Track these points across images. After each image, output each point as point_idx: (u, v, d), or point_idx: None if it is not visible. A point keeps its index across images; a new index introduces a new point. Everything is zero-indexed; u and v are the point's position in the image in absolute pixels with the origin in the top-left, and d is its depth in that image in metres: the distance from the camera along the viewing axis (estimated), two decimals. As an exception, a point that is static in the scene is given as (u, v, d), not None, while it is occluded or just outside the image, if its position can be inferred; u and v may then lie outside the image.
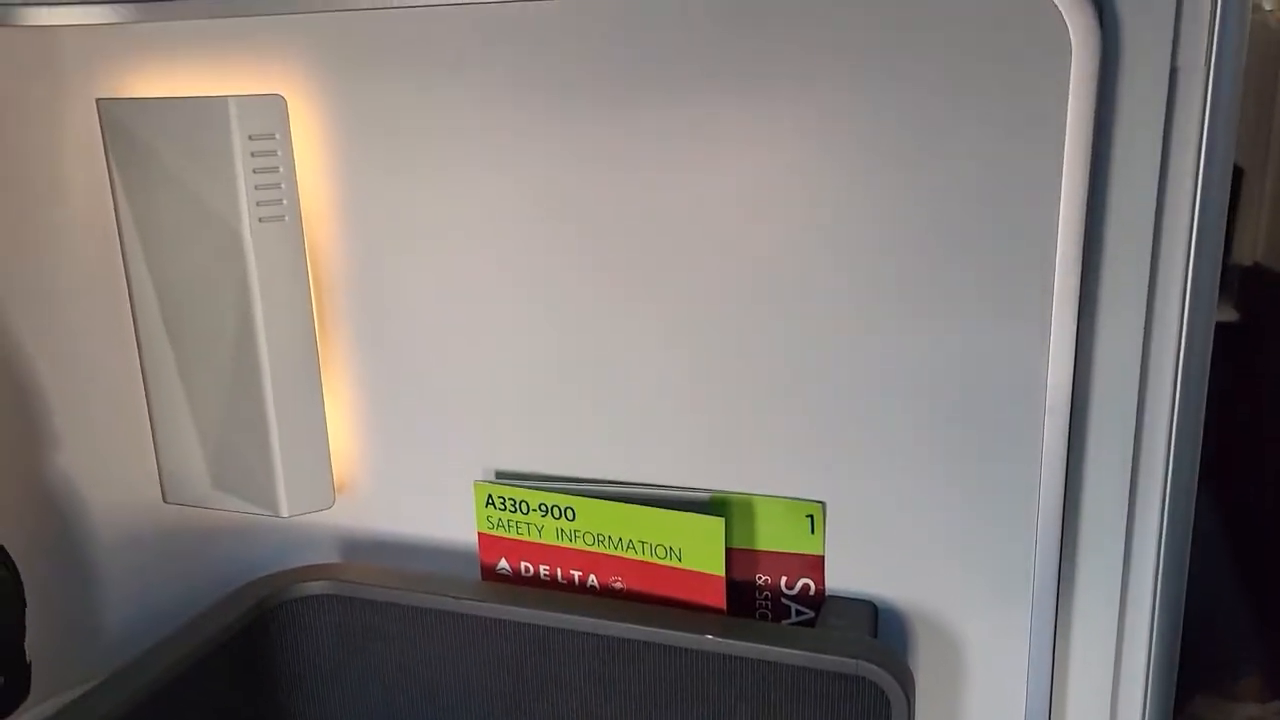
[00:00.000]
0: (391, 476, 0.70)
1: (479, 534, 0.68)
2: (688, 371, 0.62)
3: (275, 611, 0.65)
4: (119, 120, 0.67)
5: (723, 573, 0.62)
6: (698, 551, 0.63)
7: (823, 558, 0.62)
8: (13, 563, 0.62)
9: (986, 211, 0.55)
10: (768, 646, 0.57)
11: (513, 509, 0.66)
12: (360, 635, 0.66)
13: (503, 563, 0.68)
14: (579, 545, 0.65)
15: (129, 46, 0.66)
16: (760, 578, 0.64)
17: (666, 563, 0.64)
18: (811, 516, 0.62)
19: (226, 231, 0.65)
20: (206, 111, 0.65)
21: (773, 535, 0.63)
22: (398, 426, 0.69)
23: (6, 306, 0.68)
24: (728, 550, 0.62)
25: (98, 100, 0.67)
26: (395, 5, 0.61)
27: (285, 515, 0.69)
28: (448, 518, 0.69)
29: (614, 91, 0.60)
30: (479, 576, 0.68)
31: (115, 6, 0.65)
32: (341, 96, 0.66)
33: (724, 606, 0.63)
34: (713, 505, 0.63)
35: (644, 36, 0.58)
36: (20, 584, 0.63)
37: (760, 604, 0.64)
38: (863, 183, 0.56)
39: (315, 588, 0.66)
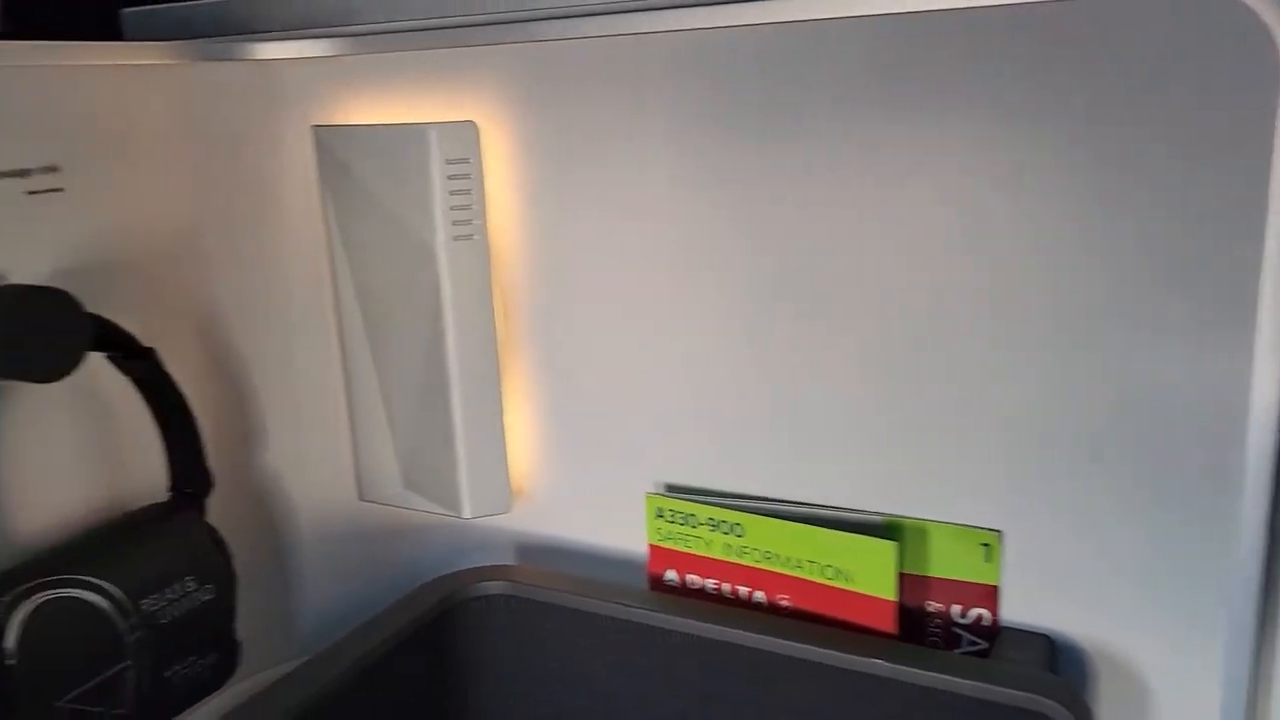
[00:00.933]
0: (566, 485, 0.66)
1: (649, 545, 0.62)
2: (864, 393, 0.55)
3: (457, 609, 0.61)
4: (331, 146, 0.66)
5: (894, 597, 0.55)
6: (869, 574, 0.55)
7: (998, 588, 0.54)
8: (227, 547, 0.61)
9: (1182, 229, 0.46)
10: (940, 675, 0.50)
11: (682, 522, 0.60)
12: (533, 635, 0.61)
13: (671, 574, 0.62)
14: (747, 561, 0.59)
15: (341, 78, 0.66)
16: (932, 605, 0.56)
17: (836, 584, 0.56)
18: (987, 545, 0.54)
19: (422, 248, 0.63)
20: (409, 137, 0.63)
21: (946, 562, 0.55)
22: (573, 437, 0.65)
23: (228, 315, 0.67)
24: (899, 575, 0.55)
25: (313, 127, 0.66)
26: (588, 35, 0.57)
27: (467, 517, 0.65)
28: (618, 528, 0.65)
29: (805, 120, 0.55)
30: (647, 586, 0.62)
31: (331, 41, 0.63)
32: (529, 122, 0.63)
33: (895, 631, 0.55)
34: (885, 529, 0.56)
35: (840, 64, 0.52)
36: (233, 567, 0.61)
37: (931, 632, 0.56)
38: (1051, 207, 0.48)
39: (494, 587, 0.61)
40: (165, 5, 0.70)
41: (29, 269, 0.57)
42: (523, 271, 0.65)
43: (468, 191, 0.63)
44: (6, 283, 0.55)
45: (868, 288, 0.55)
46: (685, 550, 0.61)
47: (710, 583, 0.61)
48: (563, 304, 0.64)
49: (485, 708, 0.63)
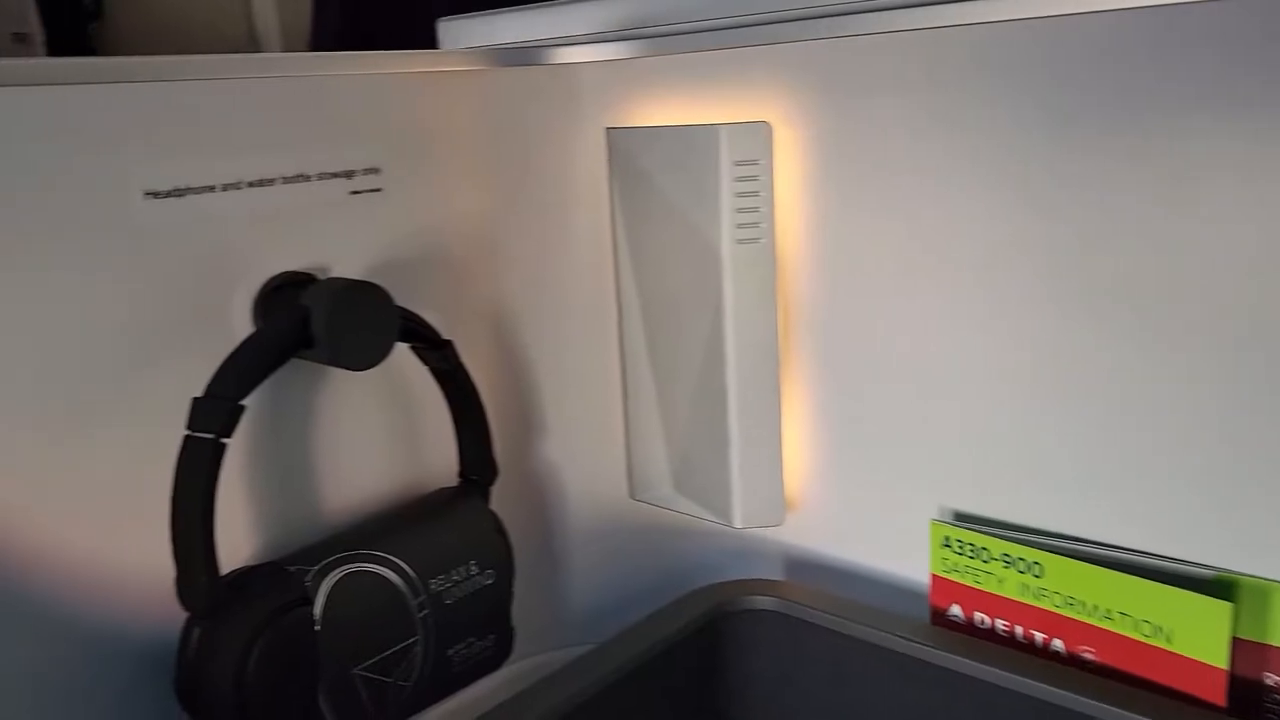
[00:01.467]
0: (841, 501, 0.61)
1: (932, 575, 0.55)
2: (1197, 424, 0.46)
3: (724, 620, 0.57)
4: (622, 147, 0.64)
5: (1226, 665, 0.45)
6: (1194, 636, 0.46)
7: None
8: (507, 534, 0.61)
9: None
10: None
11: (971, 555, 0.53)
12: (800, 657, 0.56)
13: (955, 609, 0.55)
14: (1046, 605, 0.51)
15: (634, 79, 0.63)
16: (1270, 678, 0.46)
17: (1152, 641, 0.47)
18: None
19: (707, 250, 0.59)
20: (699, 138, 0.60)
21: (1297, 633, 0.45)
22: (853, 452, 0.60)
23: (518, 312, 0.67)
24: (1232, 639, 0.45)
25: (607, 129, 0.64)
26: (892, 29, 0.51)
27: (737, 526, 0.61)
28: (897, 552, 0.59)
29: (1129, 126, 0.47)
30: (927, 619, 0.56)
31: (628, 44, 0.60)
32: (823, 122, 0.58)
33: (1223, 704, 0.46)
34: (1216, 585, 0.46)
35: (1195, 53, 0.43)
36: (512, 554, 0.61)
37: (1269, 708, 0.46)
38: None
39: (763, 603, 0.57)
40: (476, 15, 0.71)
41: (349, 263, 0.58)
42: (808, 277, 0.60)
43: (756, 194, 0.59)
44: (330, 276, 0.56)
45: (1209, 303, 0.46)
46: (973, 585, 0.54)
47: (1001, 623, 0.54)
48: (849, 312, 0.58)
49: (745, 721, 0.59)
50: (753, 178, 0.59)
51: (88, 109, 0.48)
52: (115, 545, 0.50)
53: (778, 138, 0.60)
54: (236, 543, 0.54)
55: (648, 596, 0.65)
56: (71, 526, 0.49)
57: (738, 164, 0.58)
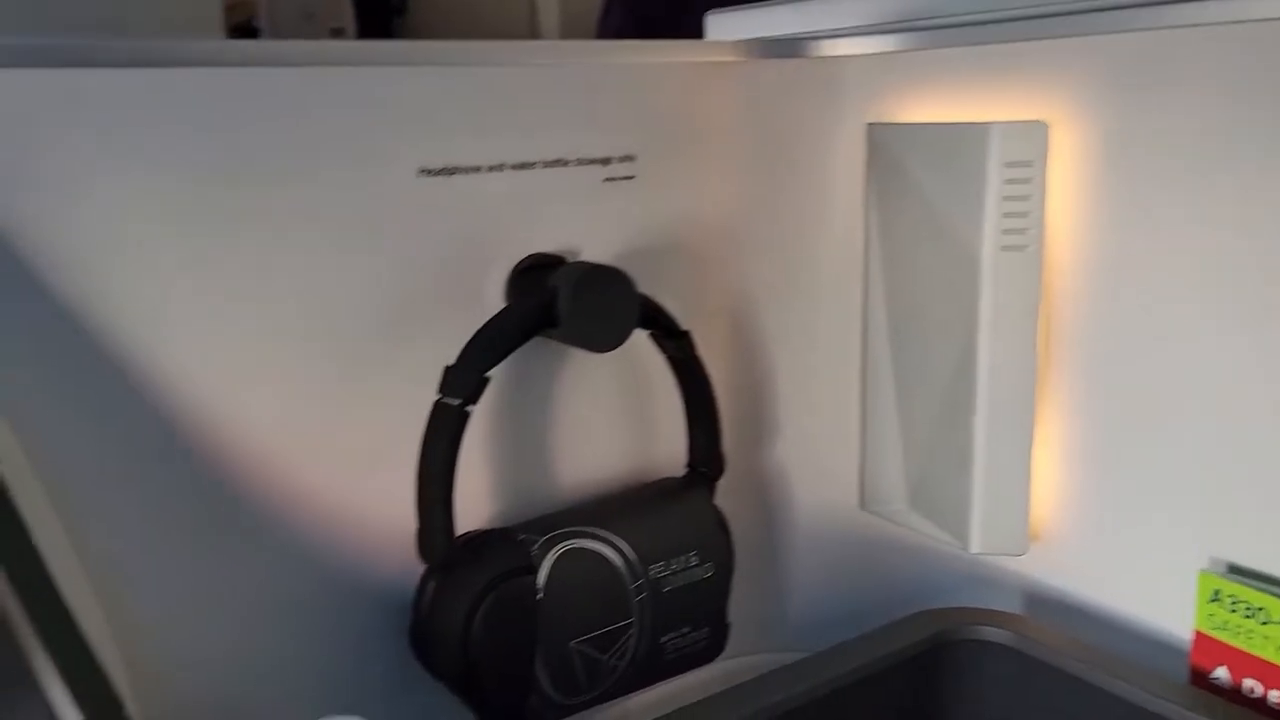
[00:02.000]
0: (1094, 538, 0.56)
1: (1196, 632, 0.49)
2: None
3: (950, 647, 0.53)
4: (884, 143, 0.62)
5: None
6: None
7: None
8: (729, 529, 0.60)
9: None
10: None
11: (1246, 614, 0.47)
12: (1033, 700, 0.51)
13: (1221, 672, 0.48)
14: (1336, 684, 0.44)
15: (899, 74, 0.61)
16: None
17: None
18: None
19: (965, 257, 0.56)
20: (967, 137, 0.57)
21: None
22: (1112, 484, 0.55)
23: (759, 306, 0.66)
24: None
25: (868, 124, 0.62)
26: (1198, 22, 0.45)
27: (973, 551, 0.57)
28: (1153, 600, 0.53)
29: None
30: (1185, 678, 0.49)
31: (896, 37, 0.58)
32: (1106, 122, 0.53)
33: None
34: None
35: None
36: (732, 549, 0.61)
37: None
38: None
39: (995, 634, 0.53)
40: (744, 8, 0.70)
41: (597, 248, 0.60)
42: (1077, 290, 0.56)
43: (1026, 198, 0.54)
44: (579, 259, 0.57)
45: None
46: (1245, 649, 0.47)
47: (1275, 695, 0.47)
48: (1121, 329, 0.53)
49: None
50: (1024, 180, 0.55)
51: (381, 90, 0.52)
52: (366, 496, 0.54)
53: (1053, 139, 0.55)
54: (472, 506, 0.57)
55: (868, 613, 0.63)
56: (330, 475, 0.53)
57: (1008, 165, 0.55)
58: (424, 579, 0.53)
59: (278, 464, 0.51)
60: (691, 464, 0.62)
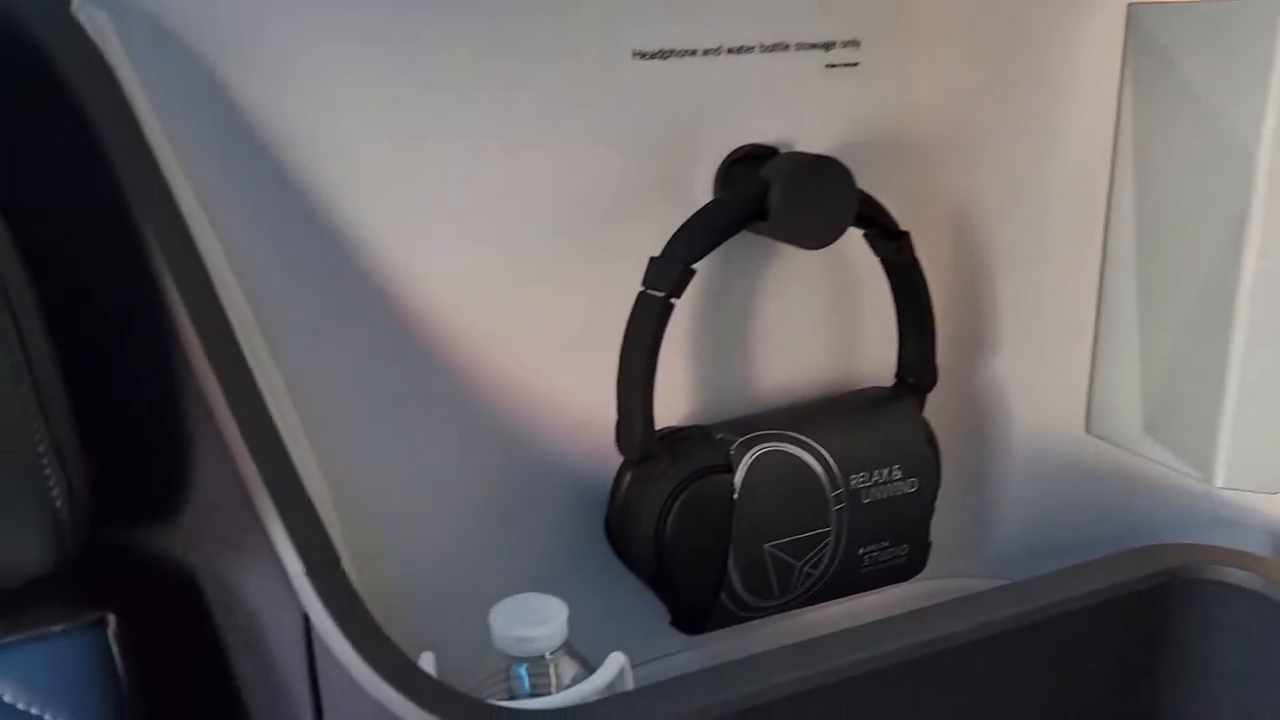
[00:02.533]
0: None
1: None
2: None
3: (1185, 585, 0.48)
4: (1147, 27, 0.55)
5: None
6: None
7: None
8: (937, 445, 0.58)
9: None
10: None
11: None
12: (1277, 651, 0.46)
13: None
14: None
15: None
16: None
17: None
18: None
19: (1239, 154, 0.50)
20: (1249, 18, 0.50)
21: None
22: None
23: (986, 208, 0.62)
24: None
25: (1129, 5, 0.56)
26: None
27: (1217, 485, 0.53)
28: None
29: None
30: None
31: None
32: None
33: None
34: None
35: None
36: (939, 466, 0.58)
37: None
38: None
39: (1240, 578, 0.48)
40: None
41: (814, 140, 0.56)
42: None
43: (1318, 88, 0.46)
44: (793, 150, 0.54)
45: None
46: None
47: None
48: None
49: (1181, 707, 0.50)
50: (1316, 67, 0.47)
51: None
52: (568, 384, 0.54)
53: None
54: (671, 402, 0.56)
55: (1083, 546, 0.58)
56: (534, 361, 0.54)
57: (1298, 50, 0.47)
58: (621, 471, 0.53)
59: (483, 347, 0.52)
60: (900, 375, 0.59)
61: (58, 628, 0.37)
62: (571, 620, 0.45)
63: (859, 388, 0.60)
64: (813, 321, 0.59)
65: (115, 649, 0.38)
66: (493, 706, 0.36)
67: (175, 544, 0.43)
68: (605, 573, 0.55)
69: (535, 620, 0.44)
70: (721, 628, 0.54)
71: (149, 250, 0.40)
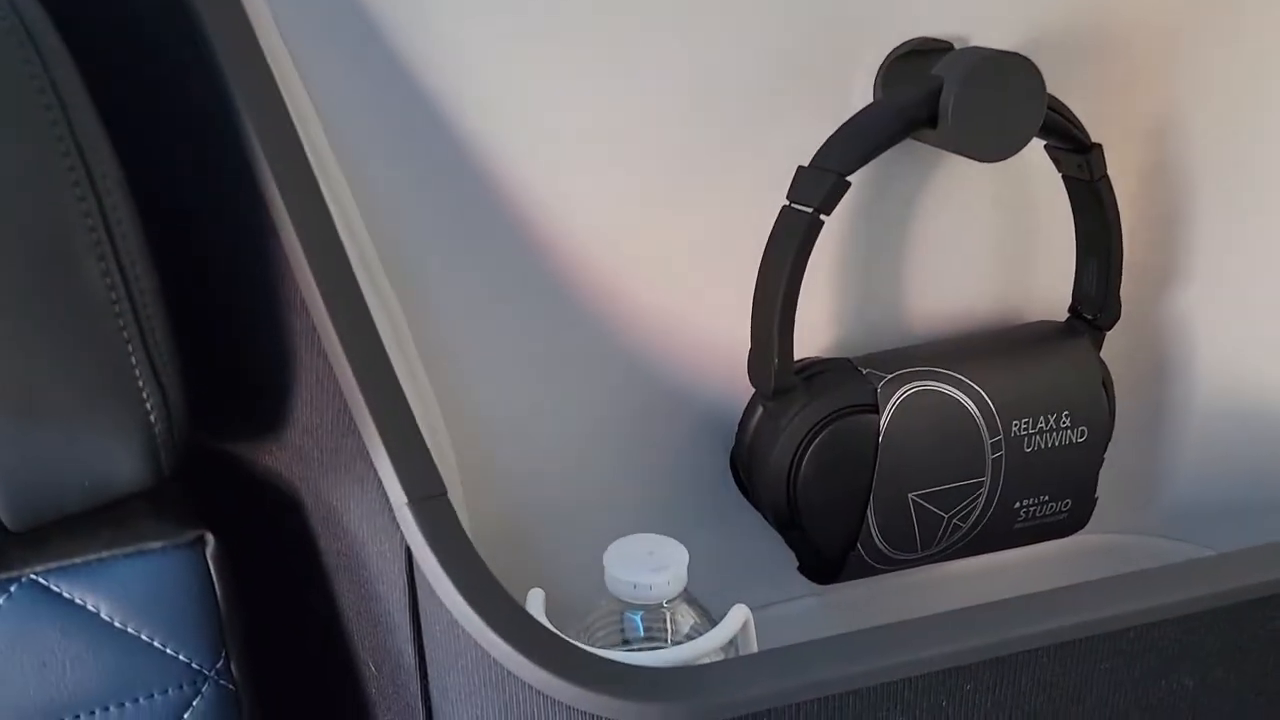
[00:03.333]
0: None
1: None
2: None
3: None
4: None
5: None
6: None
7: None
8: (1112, 389, 0.52)
9: None
10: None
11: None
12: None
13: None
14: None
15: None
16: None
17: None
18: None
19: None
20: None
21: None
22: None
23: (1188, 123, 0.54)
24: None
25: None
26: None
27: None
28: None
29: None
30: None
31: None
32: None
33: None
34: None
35: None
36: (1113, 413, 0.52)
37: None
38: None
39: None
40: None
41: (993, 34, 0.48)
42: None
43: None
44: (969, 45, 0.46)
45: None
46: None
47: None
48: None
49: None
50: None
51: None
52: (700, 307, 0.50)
53: None
54: (814, 330, 0.51)
55: (1272, 510, 0.53)
56: (665, 283, 0.49)
57: None
58: (752, 404, 0.48)
59: (613, 268, 0.48)
60: (1076, 309, 0.53)
61: (155, 545, 0.36)
62: (691, 560, 0.42)
63: (1027, 322, 0.54)
64: (978, 244, 0.53)
65: (213, 569, 0.36)
66: (599, 659, 0.33)
67: (278, 463, 0.41)
68: (729, 511, 0.52)
69: (652, 566, 0.40)
70: (854, 579, 0.48)
71: (253, 154, 0.38)
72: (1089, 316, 0.51)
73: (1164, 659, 0.37)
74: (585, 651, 0.33)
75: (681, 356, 0.50)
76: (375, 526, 0.36)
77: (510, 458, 0.50)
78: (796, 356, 0.48)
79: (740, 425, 0.49)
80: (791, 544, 0.49)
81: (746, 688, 0.33)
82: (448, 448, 0.48)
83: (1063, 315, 0.52)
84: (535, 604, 0.41)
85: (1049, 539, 0.53)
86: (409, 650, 0.36)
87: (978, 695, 0.36)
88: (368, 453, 0.35)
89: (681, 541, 0.46)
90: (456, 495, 0.42)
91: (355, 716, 0.42)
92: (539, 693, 0.32)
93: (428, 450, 0.36)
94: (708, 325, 0.49)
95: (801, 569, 0.49)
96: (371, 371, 0.36)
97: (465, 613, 0.33)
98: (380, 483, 0.35)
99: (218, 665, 0.37)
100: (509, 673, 0.32)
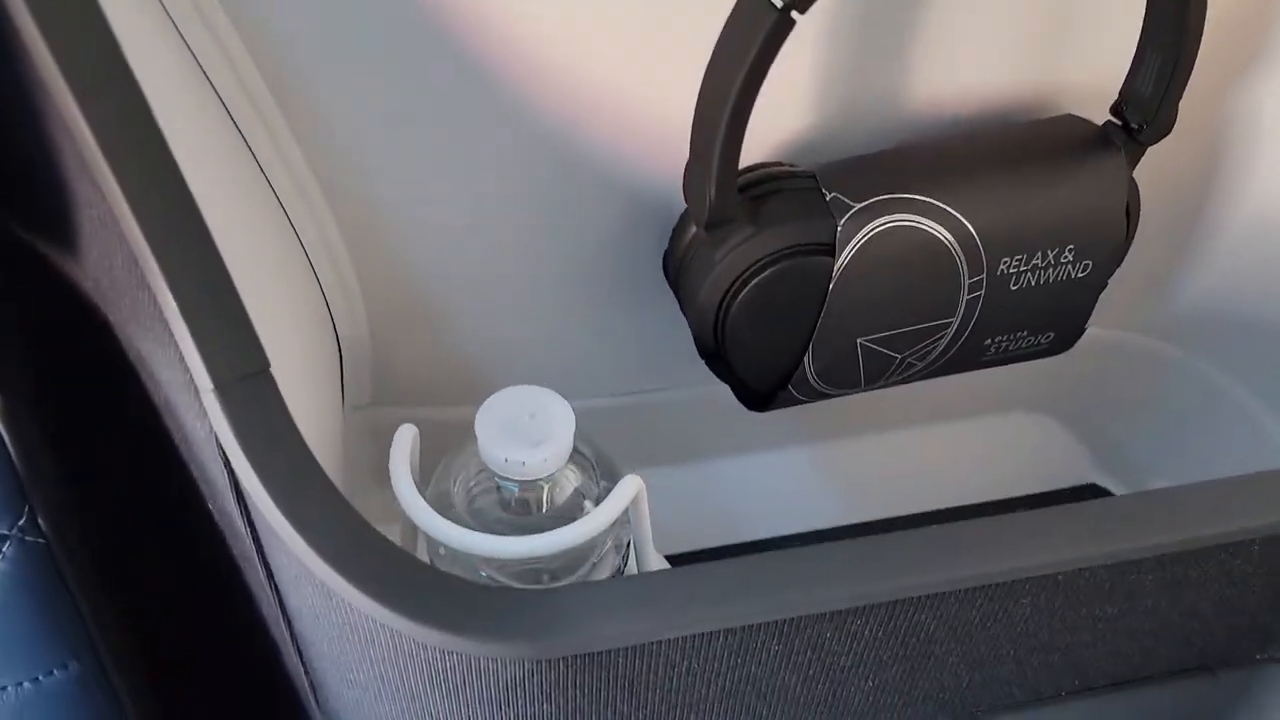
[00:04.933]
0: None
1: None
2: None
3: None
4: None
5: None
6: None
7: None
8: (1136, 212, 0.43)
9: None
10: None
11: None
12: None
13: None
14: None
15: None
16: None
17: None
18: None
19: None
20: None
21: None
22: None
23: None
24: None
25: None
26: None
27: None
28: None
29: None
30: None
31: None
32: None
33: None
34: None
35: None
36: (1129, 241, 0.44)
37: None
38: None
39: None
40: None
41: None
42: None
43: None
44: None
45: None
46: None
47: None
48: None
49: None
50: None
51: None
52: (640, 90, 0.40)
53: None
54: (779, 122, 0.41)
55: None
56: (613, 70, 0.39)
57: None
58: (684, 219, 0.39)
59: (559, 50, 0.38)
60: (1120, 111, 0.42)
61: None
62: (622, 348, 0.39)
63: (1053, 116, 0.43)
64: (1000, 15, 0.41)
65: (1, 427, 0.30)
66: (434, 579, 0.29)
67: (89, 288, 0.33)
68: (665, 302, 0.45)
69: (530, 439, 0.34)
70: (786, 407, 0.43)
71: None
72: (1134, 124, 0.41)
73: (1094, 595, 0.32)
74: (417, 573, 0.29)
75: (621, 137, 0.41)
76: (186, 402, 0.30)
77: (415, 249, 0.43)
78: (755, 157, 0.39)
79: (673, 236, 0.41)
80: (715, 371, 0.42)
81: (607, 622, 0.29)
82: (339, 244, 0.42)
83: (1100, 116, 0.41)
84: (403, 442, 0.35)
85: (1023, 361, 0.46)
86: (249, 542, 0.31)
87: (868, 629, 0.32)
88: (163, 317, 0.28)
89: (609, 330, 0.42)
90: (347, 301, 0.36)
91: (218, 579, 0.39)
92: (372, 619, 0.29)
93: (244, 317, 0.29)
94: (658, 102, 0.40)
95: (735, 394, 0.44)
96: (163, 218, 0.28)
97: (281, 523, 0.28)
98: (182, 358, 0.28)
99: (20, 523, 0.34)
100: (333, 593, 0.28)
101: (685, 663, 0.31)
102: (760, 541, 0.60)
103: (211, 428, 0.29)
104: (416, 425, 0.36)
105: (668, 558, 0.47)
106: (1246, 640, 0.40)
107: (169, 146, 0.28)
